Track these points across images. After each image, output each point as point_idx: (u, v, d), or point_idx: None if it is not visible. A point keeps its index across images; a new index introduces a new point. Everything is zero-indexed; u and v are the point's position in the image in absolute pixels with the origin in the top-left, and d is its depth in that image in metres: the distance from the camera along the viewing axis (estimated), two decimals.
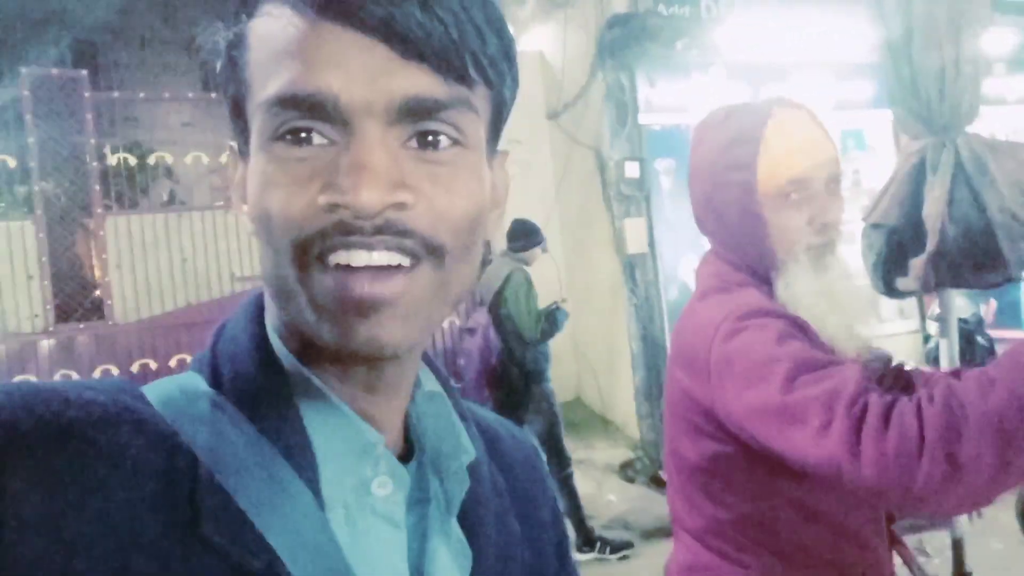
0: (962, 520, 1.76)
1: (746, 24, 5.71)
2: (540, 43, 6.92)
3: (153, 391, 0.51)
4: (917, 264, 1.58)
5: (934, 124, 1.59)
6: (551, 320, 4.17)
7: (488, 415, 0.69)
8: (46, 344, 5.40)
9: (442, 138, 0.49)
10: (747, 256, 1.18)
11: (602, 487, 4.68)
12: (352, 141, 0.46)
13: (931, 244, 1.55)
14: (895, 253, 1.65)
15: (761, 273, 1.17)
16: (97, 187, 5.67)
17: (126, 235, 5.81)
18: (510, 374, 4.20)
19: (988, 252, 1.52)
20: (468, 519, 0.56)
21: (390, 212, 0.46)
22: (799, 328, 1.09)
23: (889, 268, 1.66)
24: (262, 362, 0.51)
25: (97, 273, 5.71)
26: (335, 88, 0.46)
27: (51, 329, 5.51)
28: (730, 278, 1.19)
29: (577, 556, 4.26)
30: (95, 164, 5.67)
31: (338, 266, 0.46)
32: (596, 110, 6.04)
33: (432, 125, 0.48)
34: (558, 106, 6.69)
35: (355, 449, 0.51)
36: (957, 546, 1.77)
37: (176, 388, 0.51)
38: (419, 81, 0.47)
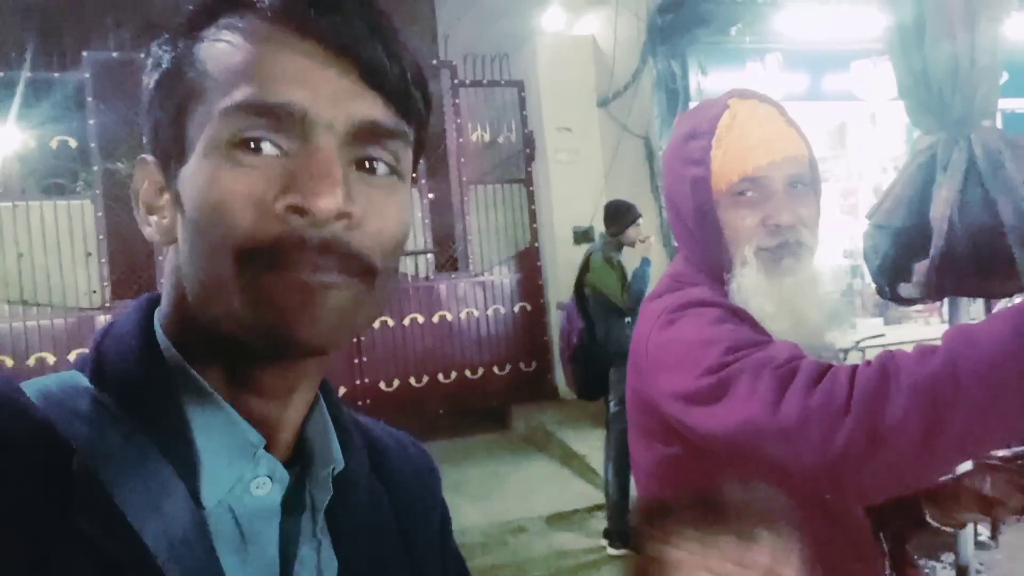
0: (969, 546, 1.64)
1: (806, 8, 5.47)
2: (592, 28, 6.80)
3: (30, 386, 0.52)
4: (921, 269, 1.47)
5: (946, 118, 1.47)
6: (639, 277, 4.07)
7: (383, 429, 0.70)
8: (103, 319, 5.62)
9: (380, 165, 0.53)
10: (702, 256, 1.13)
11: None
12: (311, 153, 0.49)
13: (936, 248, 1.43)
14: (901, 256, 1.54)
15: (716, 273, 1.11)
16: None
17: None
18: (592, 353, 4.15)
19: (998, 258, 1.40)
20: (339, 528, 0.58)
21: (337, 227, 0.49)
22: (735, 315, 1.03)
23: (895, 272, 1.55)
24: (148, 360, 0.53)
25: (151, 252, 5.89)
26: (305, 102, 0.49)
27: (107, 305, 5.73)
28: (685, 278, 1.14)
29: (611, 551, 4.22)
30: None
31: (282, 275, 0.48)
32: (646, 98, 5.91)
33: (376, 152, 0.52)
34: (608, 93, 6.57)
35: (237, 449, 0.52)
36: (962, 573, 1.65)
37: (54, 383, 0.52)
38: (376, 108, 0.52)
